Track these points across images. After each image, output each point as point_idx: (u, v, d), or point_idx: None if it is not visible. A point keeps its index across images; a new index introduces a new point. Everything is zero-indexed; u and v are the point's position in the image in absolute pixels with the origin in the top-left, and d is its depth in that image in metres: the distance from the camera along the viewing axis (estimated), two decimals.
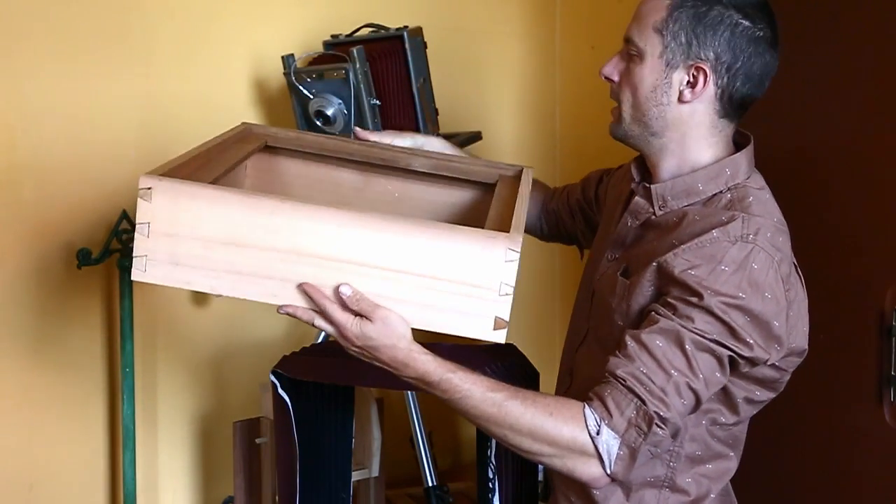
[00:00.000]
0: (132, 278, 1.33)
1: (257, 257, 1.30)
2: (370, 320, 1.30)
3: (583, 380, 1.50)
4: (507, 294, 1.33)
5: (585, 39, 2.72)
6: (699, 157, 1.43)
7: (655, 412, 1.30)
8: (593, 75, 2.71)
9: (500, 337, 1.34)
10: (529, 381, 1.87)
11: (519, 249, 1.30)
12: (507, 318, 1.33)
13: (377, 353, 1.32)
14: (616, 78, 1.46)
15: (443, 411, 2.78)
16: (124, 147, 2.25)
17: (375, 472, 2.18)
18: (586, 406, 1.31)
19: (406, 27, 2.18)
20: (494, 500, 1.84)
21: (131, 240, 2.18)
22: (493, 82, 2.65)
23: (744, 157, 1.42)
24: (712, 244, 1.33)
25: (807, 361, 1.44)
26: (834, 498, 1.91)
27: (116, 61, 2.22)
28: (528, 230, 1.80)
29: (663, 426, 1.31)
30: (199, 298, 2.36)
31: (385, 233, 1.30)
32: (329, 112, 2.11)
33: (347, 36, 2.23)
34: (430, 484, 2.28)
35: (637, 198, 1.47)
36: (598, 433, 1.30)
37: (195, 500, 2.43)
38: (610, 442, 1.30)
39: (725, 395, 1.42)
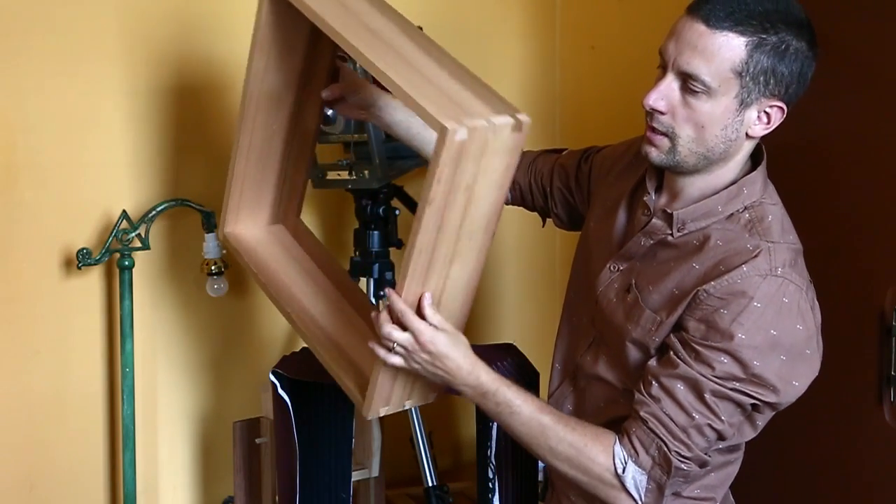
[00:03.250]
0: None
1: None
2: (442, 330, 1.39)
3: (591, 384, 1.51)
4: None
5: (585, 39, 2.72)
6: (727, 177, 1.41)
7: (676, 452, 1.35)
8: (593, 75, 2.73)
9: None
10: (529, 380, 1.87)
11: None
12: None
13: (444, 360, 1.40)
14: (667, 110, 1.36)
15: (443, 411, 2.79)
16: (124, 147, 2.25)
17: (375, 472, 2.18)
18: (617, 442, 1.38)
19: None
20: (494, 500, 1.84)
21: (131, 240, 2.18)
22: (493, 82, 2.63)
23: (759, 175, 1.42)
24: (743, 280, 1.33)
25: None
26: (834, 498, 1.91)
27: (116, 60, 2.22)
28: None
29: (686, 462, 1.36)
30: (200, 298, 2.36)
31: None
32: (329, 112, 2.10)
33: None
34: (430, 484, 2.28)
35: (655, 220, 1.44)
36: (623, 471, 1.37)
37: (195, 500, 2.43)
38: (637, 478, 1.37)
39: (751, 424, 1.44)
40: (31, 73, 2.14)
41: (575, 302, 1.63)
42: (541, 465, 1.97)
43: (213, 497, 2.43)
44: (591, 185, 1.67)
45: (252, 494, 2.21)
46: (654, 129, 1.38)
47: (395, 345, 1.40)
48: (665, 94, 1.35)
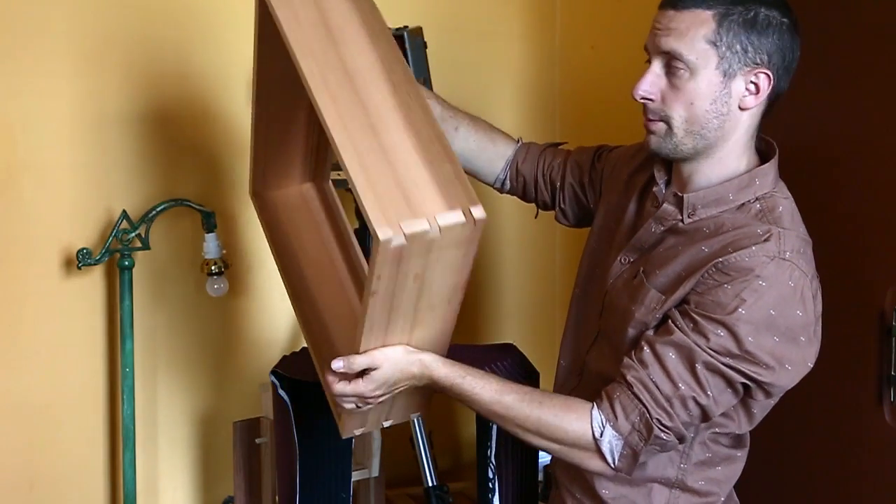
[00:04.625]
0: None
1: None
2: (374, 368, 1.39)
3: (595, 380, 1.51)
4: None
5: (585, 39, 2.72)
6: (736, 166, 1.43)
7: (657, 419, 1.35)
8: (593, 75, 2.73)
9: None
10: (529, 380, 1.87)
11: None
12: None
13: (399, 385, 1.43)
14: (656, 97, 1.39)
15: (443, 411, 2.79)
16: (124, 147, 2.25)
17: (375, 472, 2.18)
18: (594, 407, 1.39)
19: (406, 27, 2.17)
20: (494, 500, 1.85)
21: (131, 240, 2.18)
22: (493, 82, 2.65)
23: (772, 168, 1.43)
24: (751, 258, 1.34)
25: None
26: (834, 498, 1.91)
27: (117, 61, 2.22)
28: (477, 173, 1.75)
29: (666, 432, 1.36)
30: (200, 298, 2.36)
31: None
32: None
33: None
34: (430, 484, 2.28)
35: (666, 205, 1.46)
36: (601, 435, 1.37)
37: (195, 500, 2.43)
38: (613, 442, 1.37)
39: (746, 411, 1.44)
40: (31, 74, 2.14)
41: (582, 299, 1.63)
42: (541, 464, 1.97)
43: (213, 497, 2.43)
44: (602, 184, 1.67)
45: (252, 494, 2.21)
46: (649, 119, 1.41)
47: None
48: (651, 81, 1.39)
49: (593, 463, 1.40)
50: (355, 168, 1.27)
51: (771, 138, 1.47)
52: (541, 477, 2.00)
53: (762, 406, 1.44)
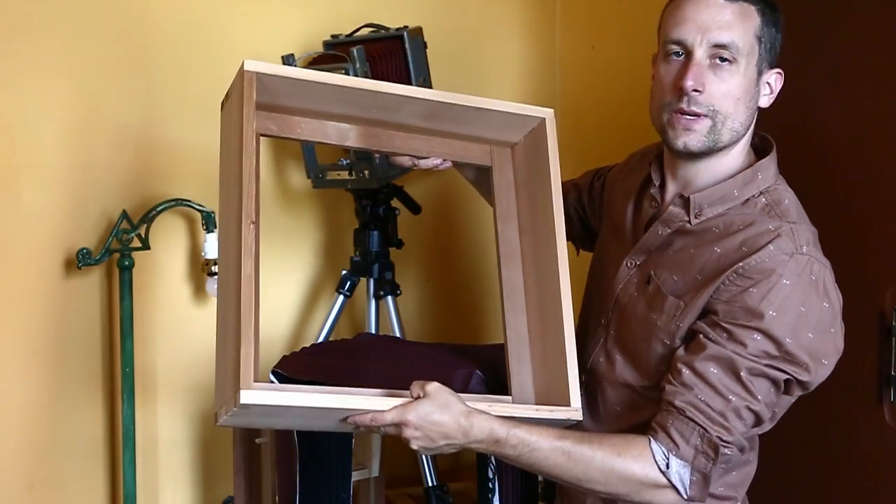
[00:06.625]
0: None
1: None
2: (422, 396, 1.31)
3: (605, 387, 1.51)
4: None
5: (585, 39, 2.72)
6: (738, 161, 1.43)
7: (718, 437, 1.33)
8: (593, 75, 2.73)
9: None
10: None
11: None
12: None
13: (442, 427, 1.31)
14: (702, 89, 1.36)
15: None
16: (124, 147, 2.25)
17: (375, 472, 2.18)
18: (652, 440, 1.35)
19: (406, 27, 2.18)
20: (494, 500, 1.84)
21: (131, 240, 2.18)
22: (493, 82, 2.65)
23: (772, 161, 1.43)
24: (771, 259, 1.33)
25: None
26: (833, 498, 1.91)
27: (116, 61, 2.22)
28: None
29: (729, 447, 1.34)
30: (200, 298, 2.36)
31: None
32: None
33: (347, 36, 2.23)
34: (430, 484, 2.28)
35: (672, 207, 1.44)
36: (667, 466, 1.34)
37: (195, 500, 2.43)
38: (681, 471, 1.34)
39: (770, 417, 1.43)
40: (31, 74, 2.14)
41: (589, 309, 1.61)
42: None
43: (213, 497, 2.43)
44: (602, 202, 1.67)
45: (252, 494, 2.20)
46: (692, 114, 1.37)
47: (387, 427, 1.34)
48: (698, 73, 1.36)
49: (665, 497, 1.35)
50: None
51: (770, 135, 1.47)
52: (541, 477, 2.00)
53: (784, 404, 1.43)
